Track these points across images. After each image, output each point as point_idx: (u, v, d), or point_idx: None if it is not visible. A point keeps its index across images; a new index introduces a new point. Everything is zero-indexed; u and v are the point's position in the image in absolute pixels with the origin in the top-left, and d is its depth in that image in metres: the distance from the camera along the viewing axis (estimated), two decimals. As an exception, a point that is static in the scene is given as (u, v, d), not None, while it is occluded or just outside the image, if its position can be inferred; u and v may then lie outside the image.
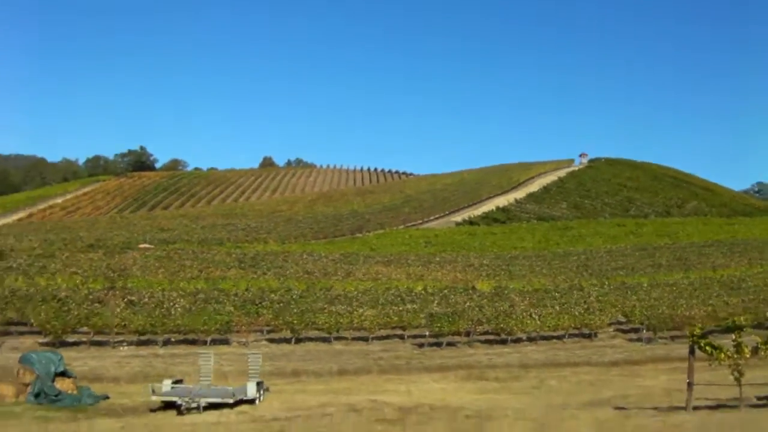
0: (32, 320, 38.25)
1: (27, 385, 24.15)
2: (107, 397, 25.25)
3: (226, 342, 40.76)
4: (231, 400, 23.92)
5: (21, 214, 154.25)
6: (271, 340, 41.96)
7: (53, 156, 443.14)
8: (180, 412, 22.78)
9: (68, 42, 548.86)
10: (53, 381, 24.35)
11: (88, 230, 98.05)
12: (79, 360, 32.80)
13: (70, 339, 38.39)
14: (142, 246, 73.71)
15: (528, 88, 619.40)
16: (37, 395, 23.77)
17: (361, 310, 44.27)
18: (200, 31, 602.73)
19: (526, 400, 26.77)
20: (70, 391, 24.57)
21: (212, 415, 22.55)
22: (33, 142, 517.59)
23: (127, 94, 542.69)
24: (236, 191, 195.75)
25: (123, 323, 38.71)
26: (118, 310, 39.34)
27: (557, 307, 49.16)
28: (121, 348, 38.25)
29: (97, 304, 40.74)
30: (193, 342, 40.10)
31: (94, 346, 38.06)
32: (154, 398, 24.16)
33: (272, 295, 47.52)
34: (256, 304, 44.60)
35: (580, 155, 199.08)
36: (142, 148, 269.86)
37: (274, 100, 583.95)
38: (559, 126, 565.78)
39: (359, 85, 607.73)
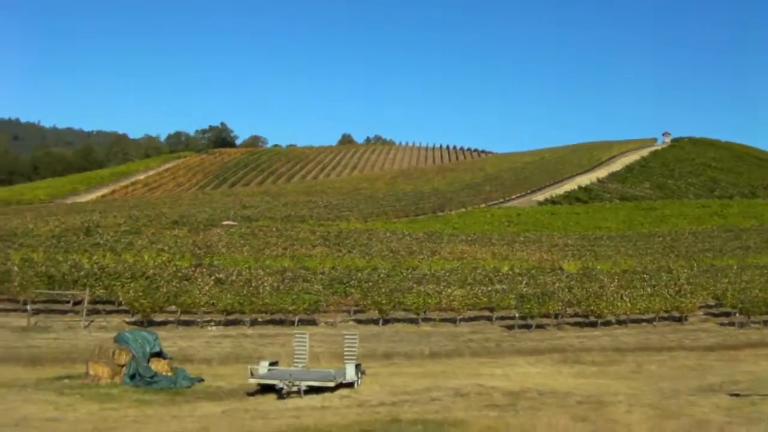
0: (121, 298, 38.01)
1: (122, 366, 23.71)
2: (202, 380, 24.77)
3: (313, 322, 40.23)
4: (332, 384, 23.22)
5: (104, 191, 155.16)
6: (358, 321, 41.39)
7: (135, 132, 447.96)
8: (280, 396, 22.12)
9: (149, 19, 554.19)
10: (148, 362, 23.91)
11: (172, 207, 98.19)
12: (168, 340, 32.25)
13: (158, 318, 38.17)
14: (225, 223, 73.53)
15: (606, 66, 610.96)
16: (132, 377, 23.36)
17: (449, 290, 43.33)
18: (280, 8, 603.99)
19: (634, 385, 25.90)
20: (165, 373, 24.13)
21: (314, 400, 21.84)
22: (115, 119, 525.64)
23: (208, 71, 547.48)
24: (316, 168, 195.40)
25: (211, 302, 38.33)
26: (207, 288, 38.96)
27: (648, 289, 47.80)
28: (210, 328, 37.95)
29: (185, 282, 40.36)
30: (280, 322, 39.65)
31: (182, 326, 37.81)
32: (251, 381, 23.48)
33: (359, 274, 46.80)
34: (344, 284, 43.98)
35: (663, 134, 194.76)
36: (222, 124, 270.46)
37: (354, 77, 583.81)
38: (639, 105, 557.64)
39: (437, 63, 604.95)
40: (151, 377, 23.34)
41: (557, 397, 22.45)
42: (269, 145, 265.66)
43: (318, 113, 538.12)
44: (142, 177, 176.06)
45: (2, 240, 55.47)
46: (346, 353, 26.18)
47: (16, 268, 39.54)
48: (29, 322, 36.25)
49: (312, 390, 22.69)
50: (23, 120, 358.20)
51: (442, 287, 44.37)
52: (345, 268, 49.33)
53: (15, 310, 38.80)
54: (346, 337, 27.07)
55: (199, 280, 40.10)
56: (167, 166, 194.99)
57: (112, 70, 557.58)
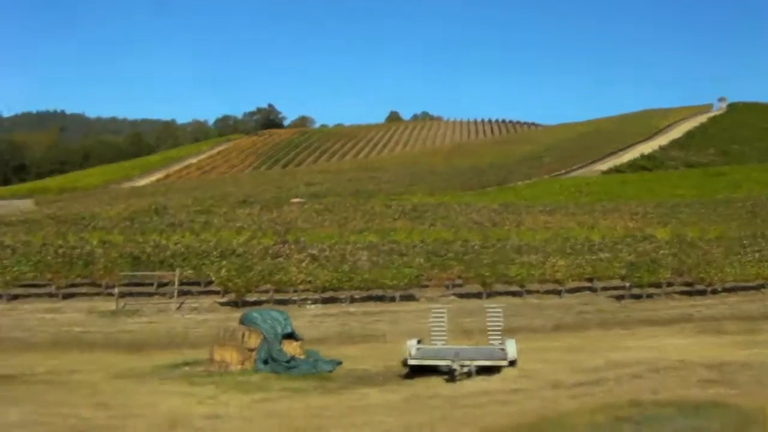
0: (212, 278, 35.77)
1: (252, 350, 20.97)
2: (340, 362, 21.96)
3: (412, 298, 37.83)
4: (505, 363, 20.45)
5: (158, 175, 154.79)
6: (460, 295, 38.85)
7: (182, 118, 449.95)
8: (452, 379, 19.43)
9: (185, 4, 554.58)
10: (281, 344, 21.28)
11: (234, 187, 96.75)
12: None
13: (251, 298, 35.88)
14: (294, 200, 71.43)
15: (644, 32, 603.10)
16: (265, 361, 20.56)
17: (552, 260, 40.74)
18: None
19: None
20: (299, 356, 21.49)
21: (490, 382, 19.20)
22: (160, 107, 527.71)
23: (254, 53, 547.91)
24: (367, 146, 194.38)
25: (308, 279, 35.97)
26: (303, 264, 36.54)
27: (756, 255, 44.96)
28: (308, 306, 35.50)
29: (280, 259, 37.91)
30: (379, 298, 37.30)
31: (277, 305, 35.48)
32: (413, 362, 20.39)
33: (453, 246, 44.19)
34: (441, 256, 41.41)
35: (719, 99, 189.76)
36: (270, 105, 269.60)
37: (397, 54, 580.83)
38: (686, 71, 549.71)
39: (478, 37, 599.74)
40: (287, 361, 20.53)
41: (753, 369, 19.78)
42: (317, 125, 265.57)
43: (363, 91, 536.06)
44: (194, 161, 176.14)
45: (72, 224, 53.61)
46: (489, 328, 23.46)
47: (99, 250, 37.29)
48: (117, 306, 34.10)
49: (480, 370, 19.97)
50: (69, 111, 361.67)
51: (544, 257, 41.79)
52: (435, 241, 46.75)
53: (98, 294, 36.83)
54: (489, 311, 24.20)
55: (294, 256, 37.56)
56: (219, 149, 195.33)
57: (153, 58, 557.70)
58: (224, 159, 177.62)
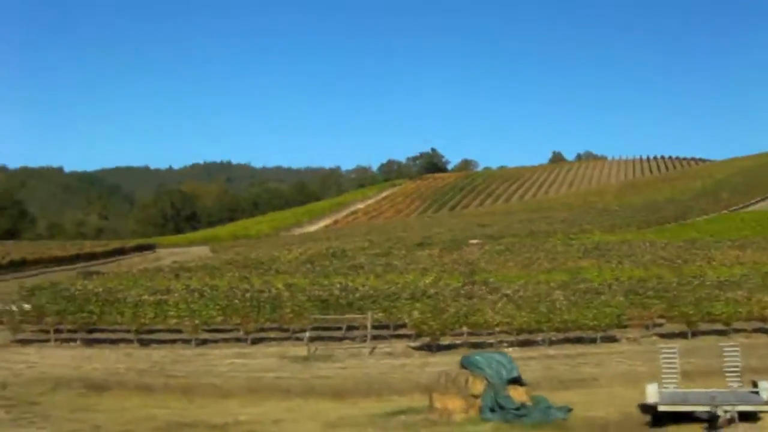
0: (405, 320, 34.41)
1: (476, 396, 19.33)
2: (570, 409, 20.17)
3: (613, 339, 35.65)
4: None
5: (327, 221, 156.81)
6: (661, 335, 36.43)
7: (344, 165, 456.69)
8: (713, 427, 17.45)
9: (346, 56, 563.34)
10: (506, 390, 19.55)
11: (405, 230, 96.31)
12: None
13: (444, 341, 34.33)
14: (472, 242, 70.14)
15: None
16: (492, 409, 19.03)
17: (758, 296, 37.89)
18: (471, 33, 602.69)
19: None
20: (526, 402, 19.73)
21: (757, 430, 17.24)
22: (322, 155, 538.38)
23: (415, 99, 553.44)
24: (532, 187, 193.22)
25: (505, 320, 34.24)
26: (499, 305, 34.83)
27: None
28: (505, 349, 33.72)
29: (474, 300, 36.19)
30: (578, 340, 35.32)
31: (472, 348, 33.83)
32: (663, 408, 18.32)
33: (650, 284, 41.71)
34: (640, 294, 39.08)
35: None
36: (433, 150, 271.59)
37: (558, 95, 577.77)
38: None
39: (630, 76, 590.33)
40: (517, 409, 18.79)
41: None
42: (480, 167, 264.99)
43: (525, 133, 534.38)
44: (361, 206, 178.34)
45: (253, 268, 53.41)
46: (727, 369, 21.27)
47: (286, 294, 36.45)
48: (309, 351, 33.06)
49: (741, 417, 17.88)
50: (235, 162, 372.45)
51: (747, 293, 38.98)
52: (629, 279, 44.39)
53: (287, 339, 36.13)
54: (725, 349, 22.02)
55: (488, 297, 35.86)
56: (384, 194, 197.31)
57: (314, 107, 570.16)
58: (390, 204, 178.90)
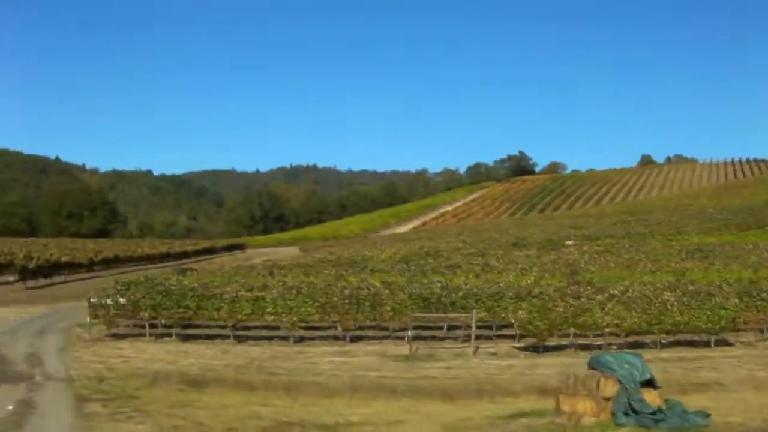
0: (511, 320, 33.11)
1: (608, 399, 17.86)
2: (708, 414, 18.61)
3: (725, 342, 34.17)
4: None
5: (415, 223, 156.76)
6: (772, 339, 34.93)
7: (431, 168, 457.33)
8: None
9: (432, 60, 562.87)
10: (639, 393, 18.04)
11: (497, 231, 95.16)
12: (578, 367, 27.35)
13: (550, 342, 32.98)
14: (568, 242, 68.61)
15: None
16: (626, 413, 17.57)
17: None
18: (560, 34, 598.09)
19: None
20: (660, 406, 18.20)
21: None
22: (408, 158, 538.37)
23: (503, 102, 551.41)
24: (622, 190, 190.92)
25: (614, 322, 32.77)
26: (609, 306, 33.30)
27: None
28: (614, 349, 32.20)
29: (582, 300, 34.63)
30: (689, 343, 33.88)
31: (579, 350, 32.44)
32: None
33: (761, 286, 39.68)
34: (753, 297, 37.18)
35: None
36: (521, 152, 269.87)
37: (648, 97, 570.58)
38: None
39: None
40: (653, 413, 17.33)
41: None
42: (568, 170, 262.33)
43: (613, 136, 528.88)
44: (449, 208, 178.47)
45: (347, 266, 52.53)
46: None
47: (386, 291, 35.34)
48: (411, 350, 31.97)
49: None
50: (320, 165, 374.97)
51: None
52: (738, 281, 42.38)
53: (386, 337, 35.32)
54: None
55: (596, 298, 34.27)
56: (473, 196, 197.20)
57: (400, 112, 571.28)
58: (479, 206, 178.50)
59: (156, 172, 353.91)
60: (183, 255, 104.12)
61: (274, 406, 22.31)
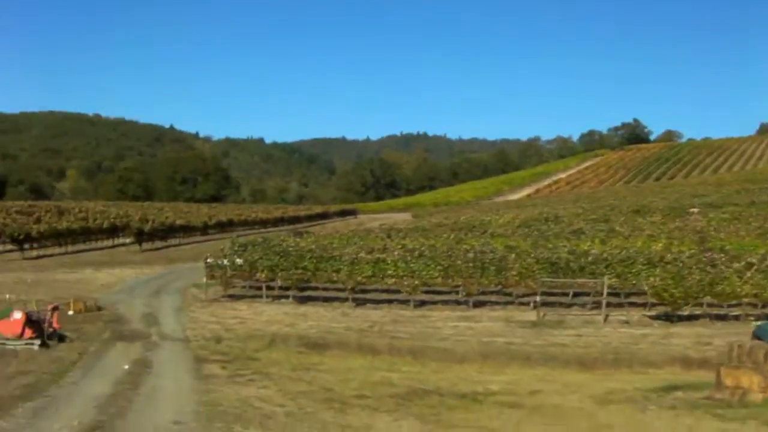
0: (644, 287, 31.49)
1: None
2: None
3: None
4: None
5: (528, 191, 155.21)
6: None
7: (546, 135, 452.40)
8: None
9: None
10: None
11: (615, 199, 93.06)
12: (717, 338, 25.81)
13: (683, 311, 31.30)
14: (692, 210, 66.19)
15: None
16: None
17: None
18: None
19: None
20: None
21: None
22: (522, 126, 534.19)
23: (619, 68, 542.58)
24: (741, 159, 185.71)
25: (753, 292, 30.96)
26: (748, 274, 31.43)
27: None
28: (752, 323, 30.39)
29: (719, 268, 32.82)
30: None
31: (716, 320, 30.75)
32: None
33: None
34: None
35: None
36: (635, 120, 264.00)
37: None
38: None
39: None
40: None
41: None
42: (684, 139, 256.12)
43: (730, 104, 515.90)
44: (562, 176, 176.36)
45: (467, 231, 51.33)
46: None
47: (512, 256, 33.97)
48: (539, 316, 30.67)
49: None
50: (431, 133, 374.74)
51: None
52: None
53: (510, 303, 33.99)
54: None
55: (734, 265, 32.36)
56: (587, 164, 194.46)
57: (511, 79, 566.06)
58: (593, 173, 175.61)
59: (267, 140, 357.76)
60: (296, 219, 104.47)
61: (402, 371, 21.42)
